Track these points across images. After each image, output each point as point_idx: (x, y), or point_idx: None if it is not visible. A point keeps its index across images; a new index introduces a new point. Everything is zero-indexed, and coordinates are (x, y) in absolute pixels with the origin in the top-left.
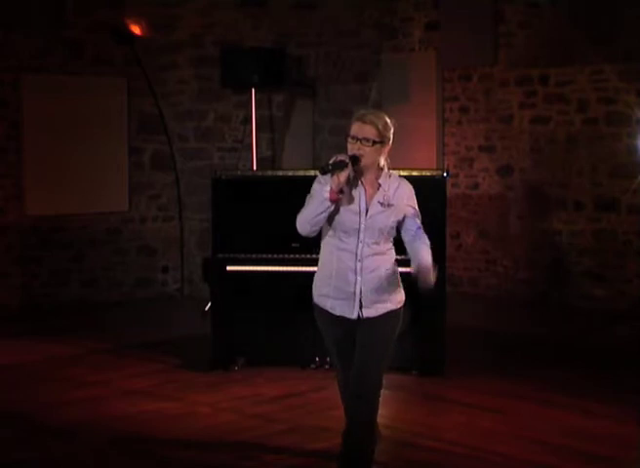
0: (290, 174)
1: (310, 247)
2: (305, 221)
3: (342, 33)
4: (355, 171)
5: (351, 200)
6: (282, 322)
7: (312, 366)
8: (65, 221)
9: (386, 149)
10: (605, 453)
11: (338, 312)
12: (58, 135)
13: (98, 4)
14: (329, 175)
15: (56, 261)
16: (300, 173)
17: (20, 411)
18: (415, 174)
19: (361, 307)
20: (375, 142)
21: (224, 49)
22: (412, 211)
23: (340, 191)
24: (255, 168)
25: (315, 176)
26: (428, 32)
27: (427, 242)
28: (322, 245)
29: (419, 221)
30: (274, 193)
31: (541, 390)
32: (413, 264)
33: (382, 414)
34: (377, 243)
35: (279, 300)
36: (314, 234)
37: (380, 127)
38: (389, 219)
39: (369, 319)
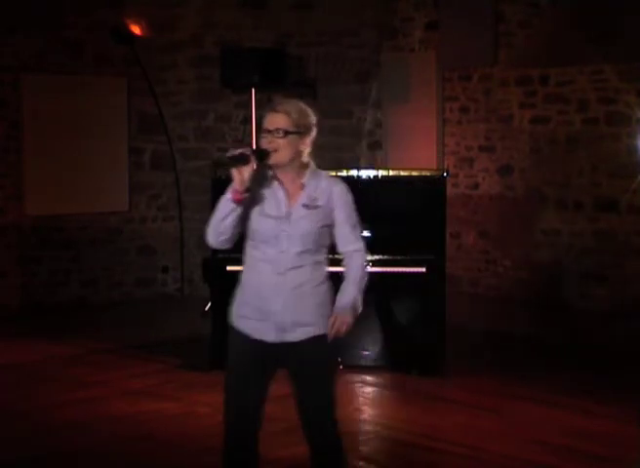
0: None
1: None
2: (214, 230)
3: (342, 33)
4: (266, 167)
5: (269, 203)
6: None
7: None
8: (65, 221)
9: (307, 141)
10: (605, 453)
11: (256, 336)
12: (58, 135)
13: (97, 4)
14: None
15: (55, 261)
16: None
17: (20, 411)
18: (415, 174)
19: (283, 330)
20: (288, 133)
21: (224, 49)
22: (344, 218)
23: (246, 190)
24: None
25: None
26: (428, 32)
27: (359, 273)
28: (244, 258)
29: (355, 235)
30: None
31: (541, 390)
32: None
33: (383, 414)
34: (303, 253)
35: None
36: (227, 245)
37: (294, 115)
38: (316, 224)
39: (293, 344)
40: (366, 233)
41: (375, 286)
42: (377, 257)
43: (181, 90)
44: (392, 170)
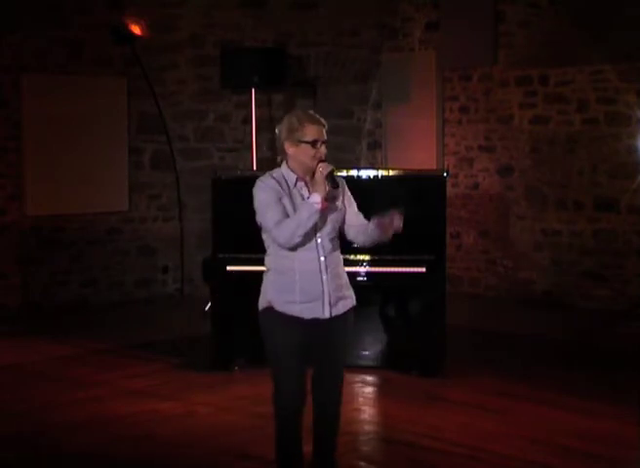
0: None
1: None
2: (295, 235)
3: (342, 33)
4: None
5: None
6: None
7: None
8: (65, 221)
9: None
10: (605, 453)
11: (308, 315)
12: (58, 134)
13: (97, 4)
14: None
15: (56, 261)
16: None
17: (21, 411)
18: (415, 174)
19: (330, 305)
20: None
21: (224, 49)
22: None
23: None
24: (255, 168)
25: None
26: (428, 32)
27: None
28: (272, 251)
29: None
30: None
31: (541, 390)
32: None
33: (383, 414)
34: (333, 239)
35: None
36: None
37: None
38: (339, 214)
39: (338, 317)
40: None
41: (375, 286)
42: (377, 257)
43: (181, 90)
44: (392, 170)
